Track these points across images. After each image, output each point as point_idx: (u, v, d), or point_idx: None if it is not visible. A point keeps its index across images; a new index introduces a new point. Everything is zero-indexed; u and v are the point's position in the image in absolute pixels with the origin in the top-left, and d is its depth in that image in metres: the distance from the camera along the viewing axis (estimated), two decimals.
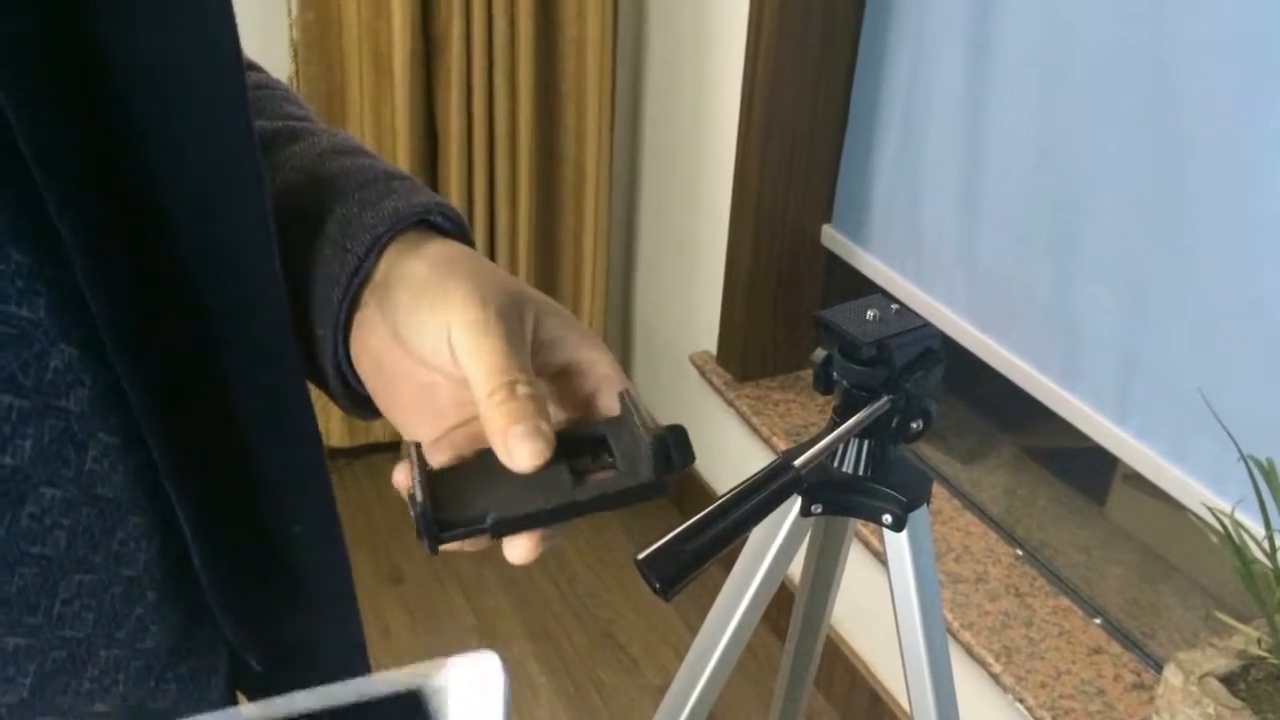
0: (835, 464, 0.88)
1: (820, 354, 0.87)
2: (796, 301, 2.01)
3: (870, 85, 1.81)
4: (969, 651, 1.56)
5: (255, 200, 0.44)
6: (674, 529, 0.79)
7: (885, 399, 0.82)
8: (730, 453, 2.10)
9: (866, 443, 0.86)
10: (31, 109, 0.38)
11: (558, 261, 2.20)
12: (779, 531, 0.89)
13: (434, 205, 0.50)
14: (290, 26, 1.95)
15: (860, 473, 0.87)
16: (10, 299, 0.38)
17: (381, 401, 0.49)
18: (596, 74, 2.02)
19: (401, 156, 1.98)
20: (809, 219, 1.96)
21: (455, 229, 0.51)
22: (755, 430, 1.94)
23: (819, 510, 0.88)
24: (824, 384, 0.87)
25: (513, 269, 2.14)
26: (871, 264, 1.86)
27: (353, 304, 0.48)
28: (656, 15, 2.12)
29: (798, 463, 0.81)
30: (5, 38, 0.37)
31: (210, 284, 0.43)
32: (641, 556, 0.79)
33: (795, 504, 0.89)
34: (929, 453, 1.86)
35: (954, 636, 1.59)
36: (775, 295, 1.99)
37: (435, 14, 1.93)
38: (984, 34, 1.56)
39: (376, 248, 0.47)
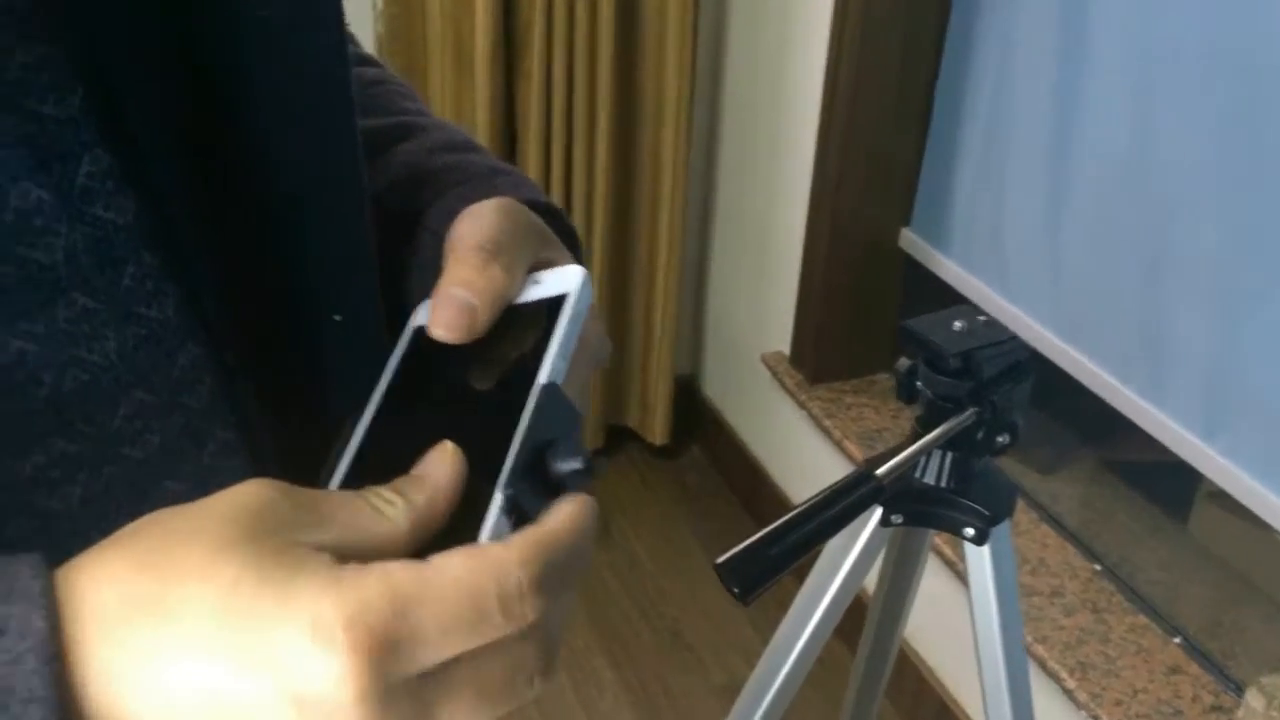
0: (917, 475, 0.87)
1: (905, 363, 0.86)
2: (872, 305, 1.99)
3: (954, 86, 1.78)
4: (1043, 666, 1.53)
5: (357, 202, 0.46)
6: (746, 532, 0.79)
7: (971, 411, 0.81)
8: (801, 455, 2.09)
9: (950, 454, 0.85)
10: (159, 113, 0.40)
11: (632, 255, 2.20)
12: (857, 541, 0.88)
13: (532, 202, 0.50)
14: (375, 19, 1.97)
15: (943, 484, 0.86)
16: (141, 301, 0.41)
17: None
18: (676, 69, 2.01)
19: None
20: (887, 222, 1.93)
21: (558, 225, 0.51)
22: (827, 433, 1.93)
23: (899, 521, 0.87)
24: (907, 393, 0.86)
25: (586, 261, 2.15)
26: (950, 269, 1.83)
27: None
28: (739, 10, 2.11)
29: (880, 472, 0.80)
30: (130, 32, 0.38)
31: (311, 276, 0.46)
32: (721, 561, 0.79)
33: (875, 514, 0.88)
34: (1006, 463, 1.83)
35: (1028, 650, 1.56)
36: (851, 298, 1.97)
37: (517, 7, 1.94)
38: (1073, 36, 1.53)
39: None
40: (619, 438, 2.36)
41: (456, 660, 0.31)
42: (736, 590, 0.78)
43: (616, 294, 2.21)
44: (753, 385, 2.21)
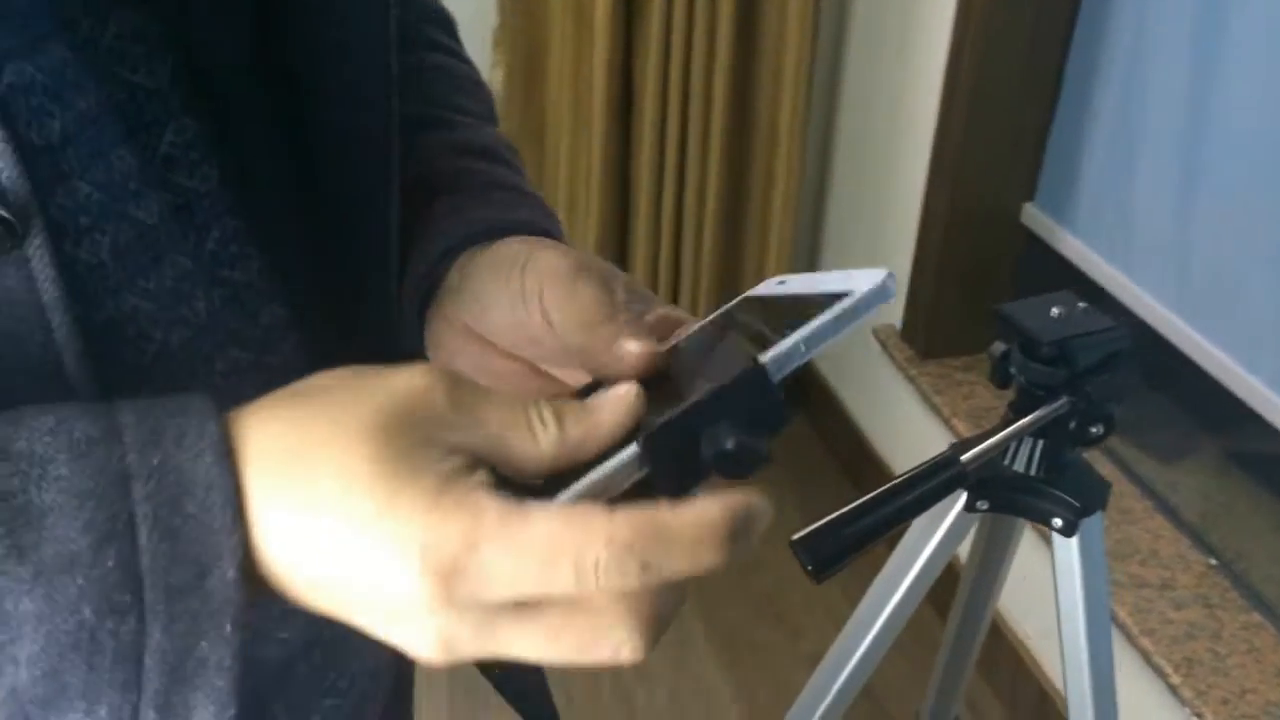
0: (1006, 461, 0.85)
1: (999, 347, 0.84)
2: (990, 281, 1.94)
3: (1087, 56, 1.72)
4: (1146, 659, 1.49)
5: (390, 172, 0.48)
6: (839, 507, 0.79)
7: (1064, 400, 0.78)
8: (909, 430, 2.06)
9: (1041, 443, 0.83)
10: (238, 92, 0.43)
11: (744, 224, 2.18)
12: (941, 524, 0.87)
13: (525, 223, 0.50)
14: None
15: (1033, 473, 0.84)
16: (225, 264, 0.43)
17: (487, 362, 0.50)
18: (798, 32, 1.98)
19: (596, 112, 2.00)
20: (1010, 195, 1.88)
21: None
22: (936, 410, 1.89)
23: (985, 507, 0.85)
24: (1001, 378, 0.84)
25: (698, 230, 2.14)
26: (1074, 246, 1.77)
27: (425, 318, 0.50)
28: None
29: (965, 457, 0.79)
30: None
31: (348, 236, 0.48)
32: (796, 538, 0.79)
33: (960, 498, 0.86)
34: (1122, 448, 1.77)
35: (1132, 642, 1.52)
36: (967, 272, 1.92)
37: None
38: (1212, 7, 1.45)
39: (449, 259, 0.49)
40: None
41: (534, 602, 0.32)
42: (810, 567, 0.78)
43: (728, 262, 2.20)
44: (863, 357, 2.18)
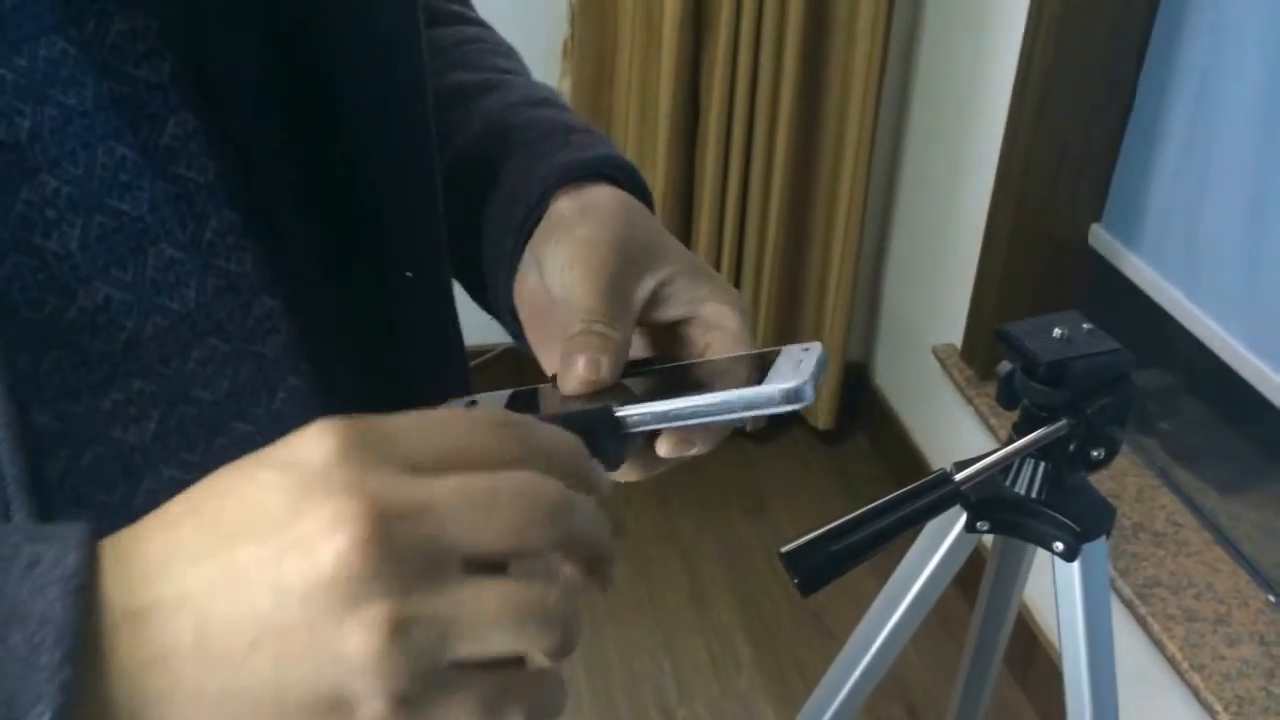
0: (1009, 483, 0.84)
1: (1005, 366, 0.83)
2: (1055, 302, 1.90)
3: (1160, 77, 1.68)
4: (1196, 695, 1.45)
5: (428, 163, 0.50)
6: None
7: (1063, 422, 0.77)
8: (965, 451, 2.02)
9: (1043, 465, 0.82)
10: (245, 75, 0.44)
11: (808, 236, 2.17)
12: (941, 544, 0.86)
13: (606, 158, 0.52)
14: None
15: (1034, 495, 0.82)
16: (221, 254, 0.44)
17: (530, 338, 0.53)
18: (867, 47, 1.97)
19: (662, 122, 2.02)
20: (1076, 216, 1.84)
21: (633, 183, 0.53)
22: (993, 432, 1.86)
23: (985, 528, 0.84)
24: (1007, 398, 0.83)
25: (760, 243, 2.14)
26: (1140, 269, 1.73)
27: (523, 251, 0.51)
28: None
29: (959, 476, 0.78)
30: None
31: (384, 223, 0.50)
32: (785, 550, 0.79)
33: (961, 518, 0.85)
34: (1183, 478, 1.72)
35: (1182, 677, 1.48)
36: (1031, 293, 1.89)
37: None
38: None
39: (546, 198, 0.50)
40: (782, 419, 2.35)
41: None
42: (798, 581, 0.78)
43: (790, 274, 2.19)
44: (922, 376, 2.15)
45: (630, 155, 2.07)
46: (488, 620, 0.30)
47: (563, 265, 0.48)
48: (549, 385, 0.47)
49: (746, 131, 2.04)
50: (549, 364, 0.51)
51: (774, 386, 0.40)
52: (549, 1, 2.04)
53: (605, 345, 0.45)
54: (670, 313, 0.49)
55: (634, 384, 0.46)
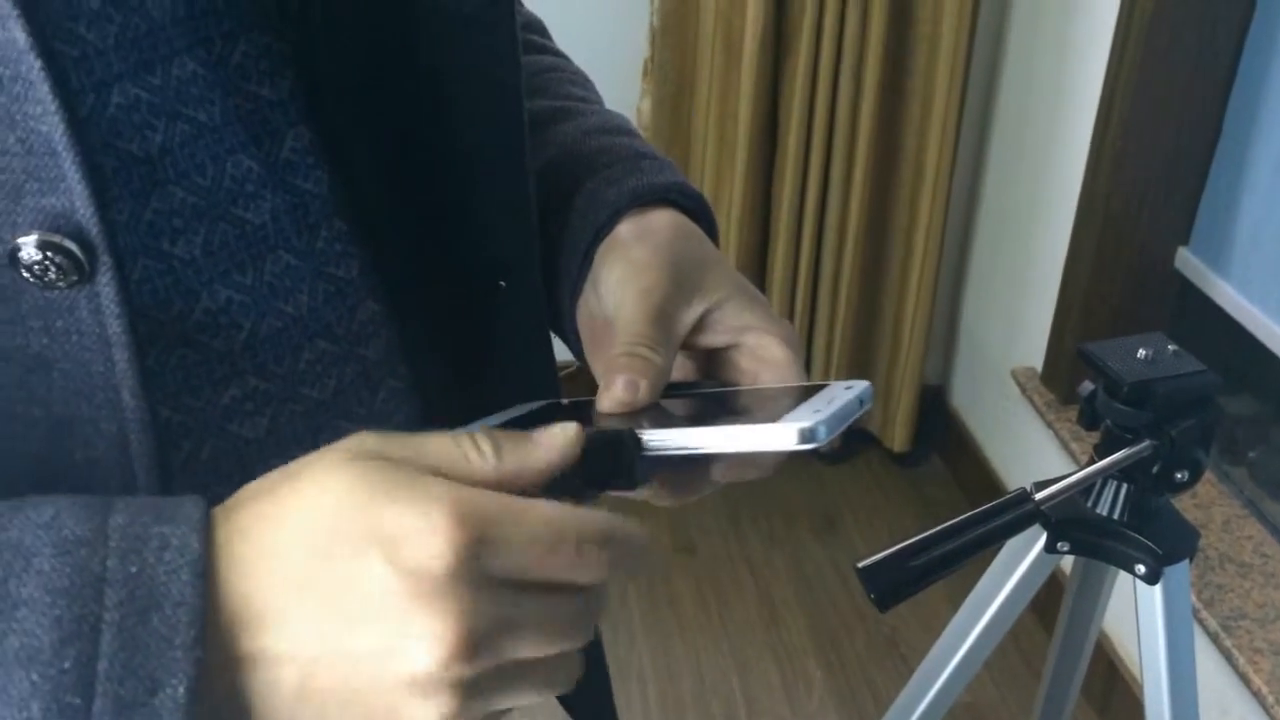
0: (1090, 504, 0.83)
1: (1087, 387, 0.82)
2: (1139, 326, 1.86)
3: (1250, 99, 1.65)
4: None
5: (523, 179, 0.52)
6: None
7: (1147, 443, 0.76)
8: (1044, 475, 1.99)
9: (1125, 486, 0.81)
10: (356, 85, 0.46)
11: (886, 258, 2.16)
12: (1020, 563, 0.85)
13: (673, 185, 0.54)
14: (651, 13, 2.04)
15: (1116, 516, 0.82)
16: (330, 261, 0.47)
17: (588, 356, 0.54)
18: (948, 71, 1.96)
19: (741, 143, 2.03)
20: (1162, 240, 1.81)
21: (698, 210, 0.55)
22: (1074, 457, 1.83)
23: (1065, 549, 0.84)
24: (1089, 419, 0.82)
25: (838, 261, 2.13)
26: (1228, 295, 1.69)
27: (587, 272, 0.53)
28: (1019, 12, 2.03)
29: (1039, 495, 0.78)
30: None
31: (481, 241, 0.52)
32: (862, 565, 0.79)
33: (1041, 538, 0.85)
34: (1272, 508, 1.68)
35: (1267, 712, 1.44)
36: (1115, 317, 1.86)
37: (789, 6, 1.96)
38: None
39: (613, 222, 0.52)
40: (858, 440, 2.34)
41: (532, 589, 0.35)
42: (874, 597, 0.78)
43: (866, 296, 2.18)
44: (1001, 400, 2.13)
45: (708, 175, 2.08)
46: (531, 687, 0.36)
47: (614, 285, 0.50)
48: (590, 399, 0.48)
49: (825, 152, 2.05)
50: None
51: (790, 425, 0.40)
52: (630, 23, 2.06)
53: (645, 368, 0.46)
54: (716, 339, 0.50)
55: (670, 406, 0.47)
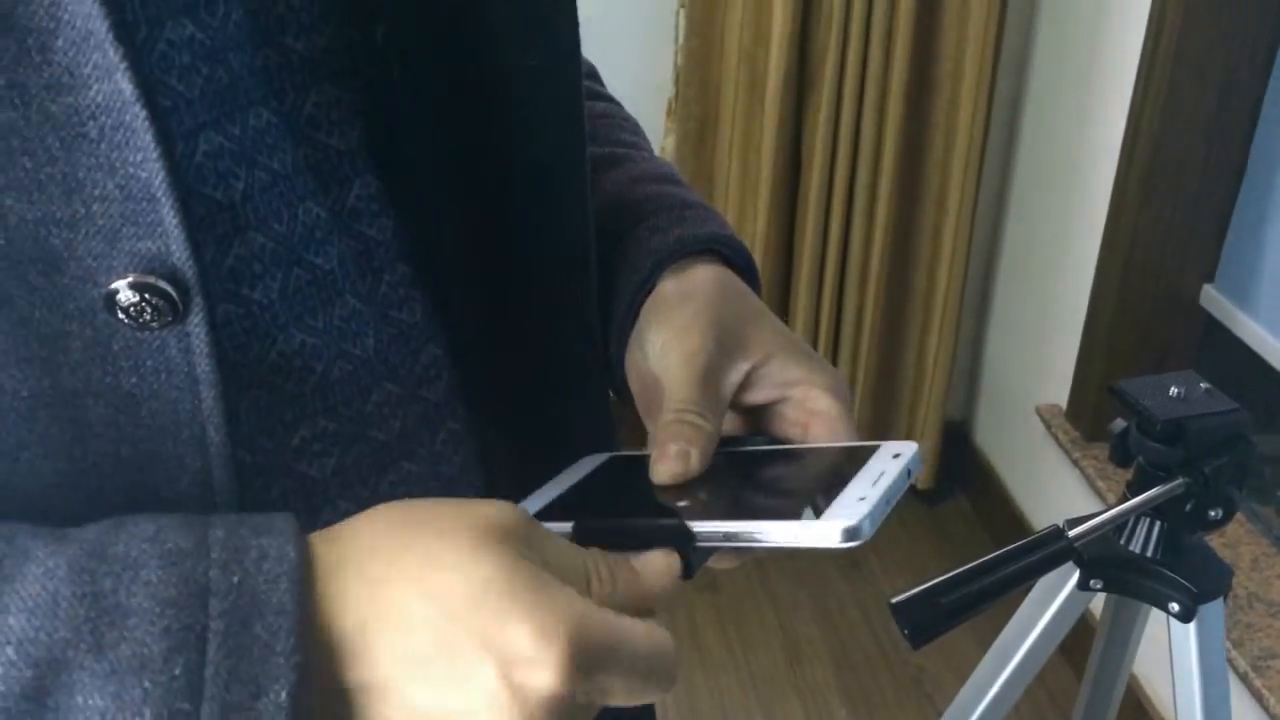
0: (1123, 541, 0.83)
1: (1119, 424, 0.82)
2: (1164, 363, 1.86)
3: (1276, 135, 1.65)
4: None
5: (585, 228, 0.53)
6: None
7: (1180, 481, 0.76)
8: (1070, 513, 1.97)
9: (1159, 524, 0.81)
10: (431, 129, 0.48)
11: (908, 294, 2.17)
12: (1053, 601, 0.85)
13: (715, 235, 0.55)
14: (676, 52, 2.06)
15: (1149, 554, 0.81)
16: (394, 305, 0.48)
17: (639, 406, 0.55)
18: (970, 107, 1.98)
19: (764, 180, 2.04)
20: (1187, 276, 1.81)
21: (741, 260, 0.56)
22: (1100, 495, 1.82)
23: (1099, 586, 0.83)
24: (1121, 456, 0.82)
25: (860, 299, 2.14)
26: (1254, 332, 1.69)
27: (633, 324, 0.54)
28: (1042, 49, 2.04)
29: (1073, 533, 0.78)
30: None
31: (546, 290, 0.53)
32: (895, 601, 0.79)
33: (1074, 575, 0.84)
34: None
35: None
36: (1139, 354, 1.86)
37: (812, 44, 1.98)
38: None
39: (656, 272, 0.53)
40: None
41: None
42: (908, 632, 0.78)
43: (890, 329, 2.19)
44: (1025, 437, 2.12)
45: (731, 212, 2.10)
46: None
47: (661, 348, 0.51)
48: (644, 456, 0.49)
49: (848, 189, 2.06)
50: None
51: (835, 524, 0.40)
52: (655, 60, 2.09)
53: (695, 436, 0.47)
54: (762, 395, 0.51)
55: (720, 472, 0.47)
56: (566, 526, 0.44)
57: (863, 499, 0.41)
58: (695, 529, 0.42)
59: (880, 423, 2.27)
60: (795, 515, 0.42)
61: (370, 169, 0.46)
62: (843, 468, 0.45)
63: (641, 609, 0.40)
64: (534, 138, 0.50)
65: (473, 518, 0.37)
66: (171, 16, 0.39)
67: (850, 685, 1.95)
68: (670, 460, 0.47)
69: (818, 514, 0.41)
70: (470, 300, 0.51)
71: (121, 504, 0.39)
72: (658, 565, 0.41)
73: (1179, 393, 0.77)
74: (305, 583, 0.35)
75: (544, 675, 0.34)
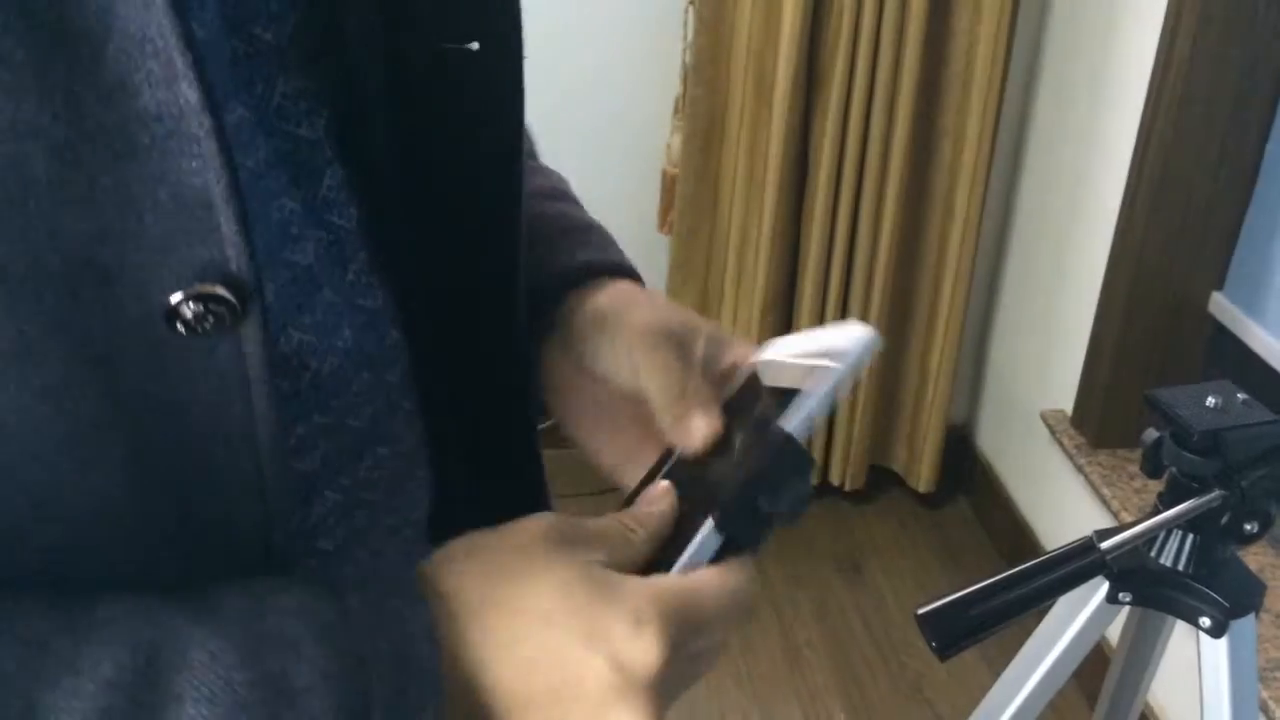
0: (1154, 554, 0.81)
1: (1151, 434, 0.81)
2: (1171, 371, 1.86)
3: None
4: None
5: (517, 225, 0.54)
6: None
7: (1216, 493, 0.75)
8: (1075, 522, 1.98)
9: (1192, 537, 0.79)
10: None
11: (914, 297, 2.16)
12: (1081, 613, 0.84)
13: (619, 265, 0.58)
14: (684, 51, 2.05)
15: (1181, 568, 0.80)
16: (360, 293, 0.47)
17: (567, 427, 0.57)
18: (980, 111, 1.96)
19: (771, 180, 2.02)
20: (1196, 284, 1.80)
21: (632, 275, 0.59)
22: (1105, 502, 1.81)
23: (1128, 599, 0.82)
24: (1152, 467, 0.81)
25: (866, 300, 2.12)
26: (1264, 340, 1.68)
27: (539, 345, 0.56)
28: (1052, 54, 2.03)
29: (1105, 545, 0.76)
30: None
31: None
32: (922, 612, 0.78)
33: (1102, 588, 0.83)
34: None
35: None
36: (1146, 360, 1.85)
37: (822, 44, 1.96)
38: None
39: (564, 296, 0.55)
40: (882, 480, 2.32)
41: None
42: (934, 644, 0.76)
43: (894, 333, 2.17)
44: (1029, 443, 2.11)
45: (738, 211, 2.08)
46: None
47: (623, 352, 0.52)
48: (674, 453, 0.51)
49: (855, 190, 2.04)
50: (591, 442, 0.56)
51: (852, 344, 0.47)
52: (663, 59, 2.07)
53: (703, 403, 0.50)
54: (716, 370, 0.54)
55: (743, 415, 0.50)
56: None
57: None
58: (788, 429, 0.45)
59: (881, 427, 2.26)
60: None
61: (338, 157, 0.46)
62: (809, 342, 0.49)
63: (662, 525, 0.45)
64: (474, 120, 0.51)
65: (530, 534, 0.41)
66: None
67: (849, 688, 1.93)
68: (701, 424, 0.49)
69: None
70: (419, 282, 0.51)
71: (175, 517, 0.39)
72: (655, 492, 0.47)
73: (1216, 403, 0.75)
74: (438, 635, 0.38)
75: (648, 650, 0.39)
